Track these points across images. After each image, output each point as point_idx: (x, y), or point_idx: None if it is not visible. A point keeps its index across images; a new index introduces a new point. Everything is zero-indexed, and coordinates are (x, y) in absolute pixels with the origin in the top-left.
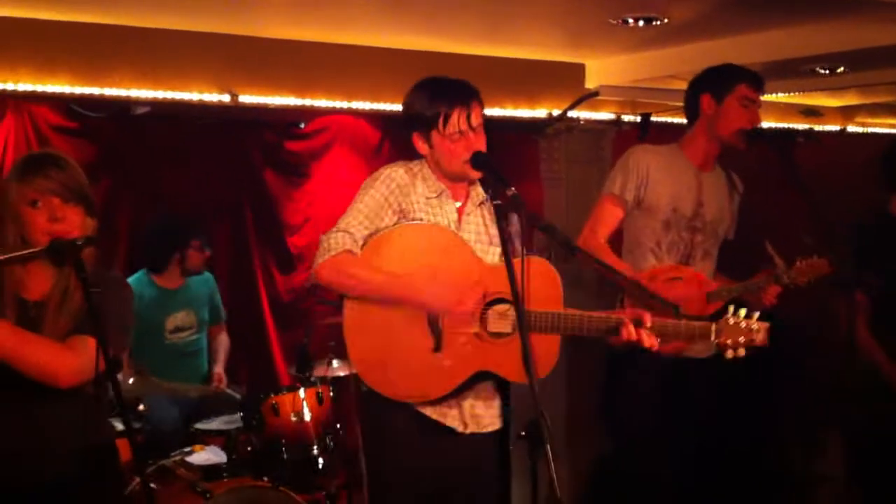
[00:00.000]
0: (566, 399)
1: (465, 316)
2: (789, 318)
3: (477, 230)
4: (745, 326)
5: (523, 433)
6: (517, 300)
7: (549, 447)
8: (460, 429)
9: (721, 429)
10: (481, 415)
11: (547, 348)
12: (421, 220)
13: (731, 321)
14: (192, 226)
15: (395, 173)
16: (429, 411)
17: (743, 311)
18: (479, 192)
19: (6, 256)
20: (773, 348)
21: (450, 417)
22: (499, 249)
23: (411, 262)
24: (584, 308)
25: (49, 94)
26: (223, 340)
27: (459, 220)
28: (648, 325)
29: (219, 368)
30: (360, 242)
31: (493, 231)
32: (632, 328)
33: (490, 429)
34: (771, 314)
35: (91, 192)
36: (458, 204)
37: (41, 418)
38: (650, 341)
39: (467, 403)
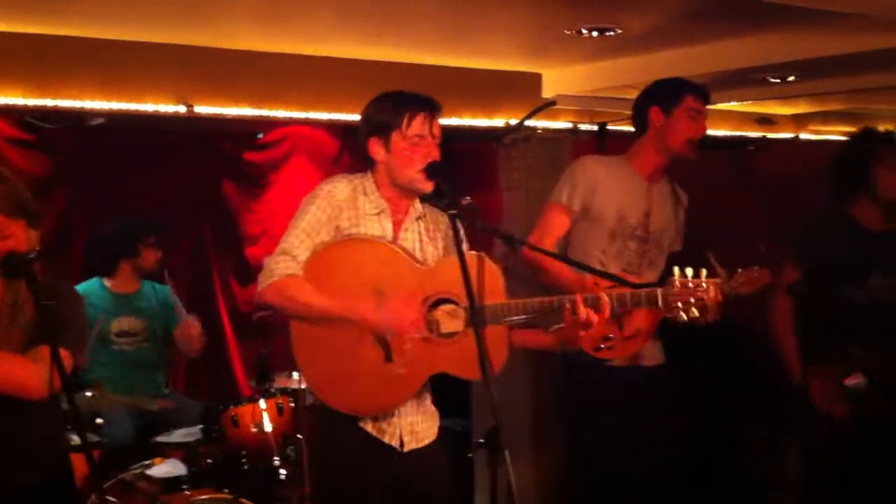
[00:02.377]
0: (530, 406)
1: (406, 327)
2: (746, 323)
3: (413, 246)
4: (694, 286)
5: (482, 440)
6: (472, 302)
7: (506, 453)
8: (398, 446)
9: (678, 435)
10: (419, 430)
11: (496, 344)
12: (358, 234)
13: (678, 283)
14: (143, 225)
15: (336, 189)
16: (369, 427)
17: (690, 271)
18: (417, 207)
19: None
20: (730, 353)
21: (388, 434)
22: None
23: (351, 277)
24: None
25: (3, 107)
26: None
27: (396, 234)
28: (607, 313)
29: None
30: (303, 263)
31: (428, 246)
32: (581, 306)
33: (427, 441)
34: (729, 319)
35: (32, 203)
36: (392, 222)
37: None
38: (589, 316)
39: (406, 421)
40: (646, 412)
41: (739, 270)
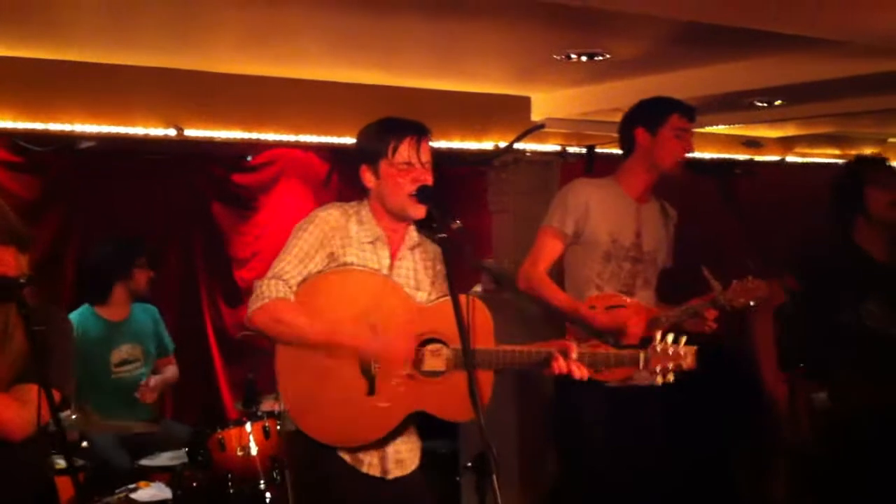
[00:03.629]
0: (516, 429)
1: (398, 360)
2: (735, 342)
3: (407, 274)
4: (674, 352)
5: (470, 464)
6: (463, 335)
7: (495, 478)
8: (379, 475)
9: (668, 454)
10: (404, 458)
11: (481, 388)
12: (352, 263)
13: (660, 347)
14: (134, 246)
15: (330, 216)
16: (346, 456)
17: (671, 337)
18: (412, 235)
19: None
20: (721, 372)
21: (365, 465)
22: (426, 294)
23: (344, 307)
24: (525, 341)
25: None
26: (170, 368)
27: (392, 264)
28: (574, 356)
29: (152, 381)
30: (294, 288)
31: (422, 276)
32: (562, 361)
33: (411, 468)
34: (717, 338)
35: (22, 228)
36: (388, 251)
37: None
38: (580, 372)
39: (391, 449)
40: (639, 431)
41: (734, 282)
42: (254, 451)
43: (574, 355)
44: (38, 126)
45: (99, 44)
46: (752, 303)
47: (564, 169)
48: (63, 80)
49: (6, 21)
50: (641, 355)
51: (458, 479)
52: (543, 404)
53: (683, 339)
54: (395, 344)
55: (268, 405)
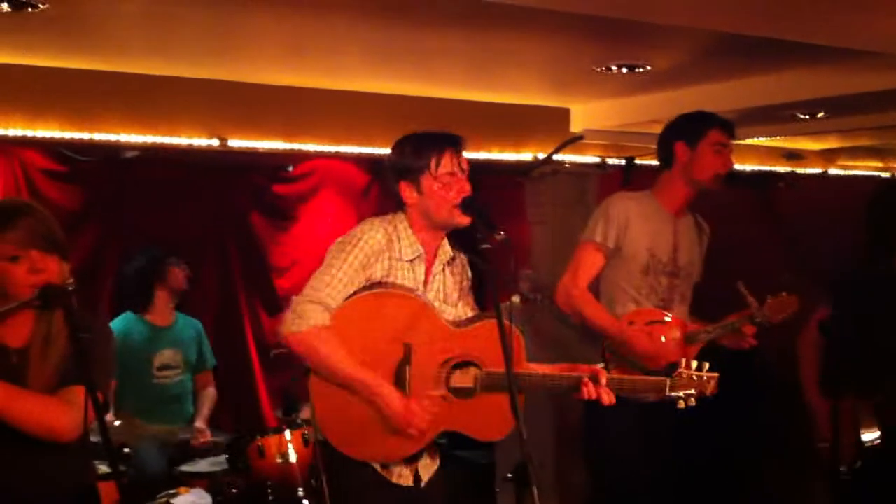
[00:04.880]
0: (554, 443)
1: (417, 424)
2: (771, 357)
3: (439, 289)
4: (697, 379)
5: (510, 475)
6: (505, 349)
7: (535, 490)
8: (411, 485)
9: (701, 467)
10: (430, 464)
11: (506, 411)
12: (392, 283)
13: (685, 374)
14: (163, 251)
15: (373, 240)
16: (378, 469)
17: (695, 364)
18: (446, 250)
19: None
20: (753, 386)
21: (395, 475)
22: (454, 309)
23: (381, 329)
24: (557, 355)
25: (39, 140)
26: (210, 394)
27: (426, 280)
28: (603, 382)
29: (200, 423)
30: (333, 312)
31: (451, 291)
32: (591, 387)
33: (435, 468)
34: (754, 353)
35: (62, 236)
36: (423, 268)
37: (25, 466)
38: (608, 398)
39: (422, 462)
40: (669, 444)
41: (769, 298)
42: (293, 458)
43: (603, 381)
44: (83, 136)
45: (143, 55)
46: (784, 318)
47: (602, 181)
48: (108, 91)
49: (53, 33)
50: (668, 382)
51: (496, 490)
52: (579, 414)
53: (706, 366)
54: (415, 410)
55: (306, 413)
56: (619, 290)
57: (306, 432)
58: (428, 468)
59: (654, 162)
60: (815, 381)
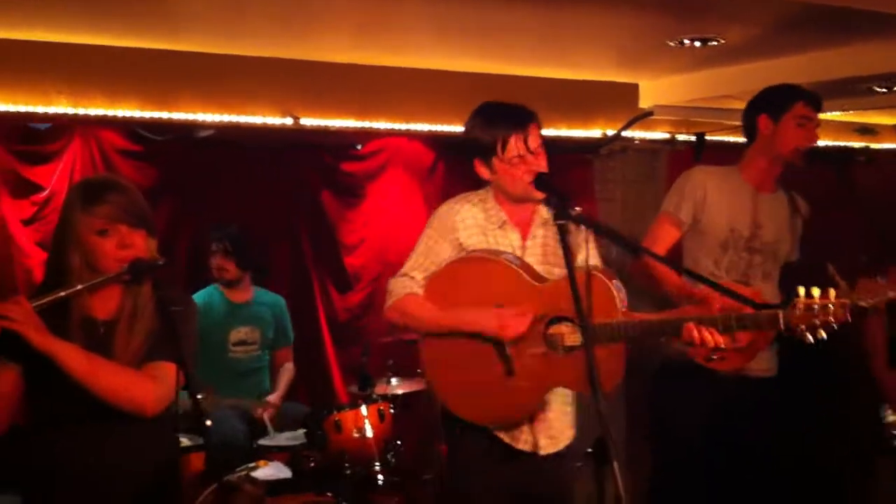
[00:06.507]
0: (625, 420)
1: (516, 333)
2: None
3: (543, 251)
4: (818, 308)
5: (590, 450)
6: (581, 315)
7: (616, 466)
8: (532, 450)
9: (776, 451)
10: (556, 435)
11: (610, 362)
12: (479, 249)
13: (802, 305)
14: (212, 232)
15: (450, 210)
16: (502, 435)
17: (817, 291)
18: (542, 213)
19: (91, 283)
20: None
21: (521, 441)
22: (560, 270)
23: (472, 292)
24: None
25: (117, 119)
26: (287, 369)
27: (524, 244)
28: (717, 306)
29: (273, 397)
30: (422, 282)
31: (556, 251)
32: (694, 329)
33: (564, 444)
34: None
35: (149, 213)
36: (518, 232)
37: (111, 437)
38: (712, 340)
39: (542, 425)
40: (746, 425)
41: (862, 279)
42: (369, 433)
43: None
44: (160, 115)
45: (217, 35)
46: (874, 303)
47: (672, 157)
48: (182, 71)
49: (128, 14)
50: (780, 315)
51: (578, 464)
52: (650, 385)
53: (833, 293)
54: (505, 317)
55: (380, 389)
56: (698, 264)
57: (381, 408)
58: (553, 439)
59: (726, 138)
60: (884, 352)
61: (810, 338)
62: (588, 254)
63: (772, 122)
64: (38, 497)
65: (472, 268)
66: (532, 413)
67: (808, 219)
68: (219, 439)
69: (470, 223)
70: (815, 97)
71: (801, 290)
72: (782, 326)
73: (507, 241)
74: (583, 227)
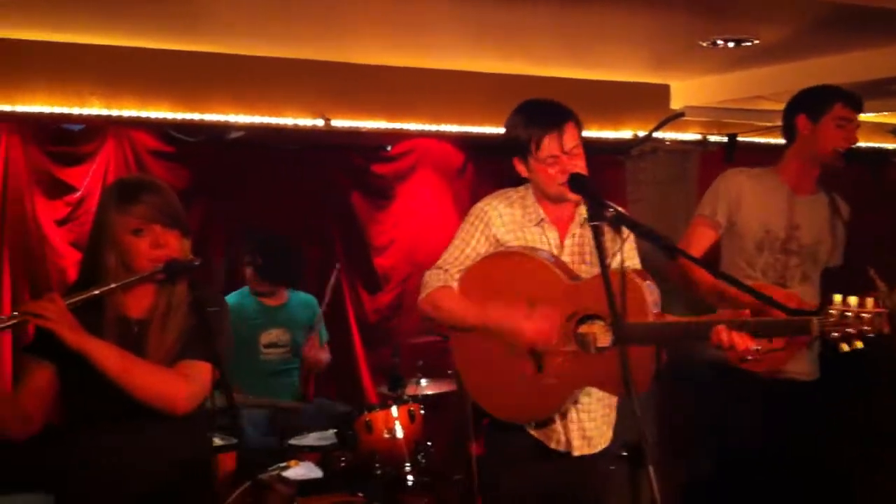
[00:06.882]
0: (657, 424)
1: (547, 337)
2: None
3: (581, 251)
4: (853, 316)
5: (624, 453)
6: (615, 315)
7: (651, 470)
8: (566, 451)
9: (817, 456)
10: (592, 436)
11: (642, 362)
12: (516, 246)
13: (835, 312)
14: (244, 242)
15: (487, 206)
16: (536, 433)
17: (854, 300)
18: (582, 212)
19: (125, 282)
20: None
21: (554, 441)
22: (598, 269)
23: (504, 288)
24: None
25: (150, 120)
26: (325, 350)
27: (562, 242)
28: (747, 311)
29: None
30: (456, 276)
31: (594, 251)
32: (723, 332)
33: (601, 447)
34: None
35: (183, 214)
36: (556, 230)
37: (144, 435)
38: (743, 343)
39: (574, 425)
40: (784, 429)
41: None
42: (399, 434)
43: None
44: (192, 117)
45: (248, 37)
46: None
47: (704, 158)
48: (214, 72)
49: (160, 16)
50: (815, 321)
51: (611, 467)
52: (681, 397)
53: (870, 301)
54: (538, 322)
55: (410, 389)
56: (735, 267)
57: (412, 408)
58: (588, 440)
59: (759, 139)
60: None
61: (845, 346)
62: (624, 254)
63: (811, 123)
64: (71, 495)
65: (506, 263)
66: (560, 411)
67: (847, 221)
68: (249, 439)
69: (507, 219)
70: (854, 98)
71: (838, 298)
72: (814, 333)
73: (545, 238)
74: (623, 227)
